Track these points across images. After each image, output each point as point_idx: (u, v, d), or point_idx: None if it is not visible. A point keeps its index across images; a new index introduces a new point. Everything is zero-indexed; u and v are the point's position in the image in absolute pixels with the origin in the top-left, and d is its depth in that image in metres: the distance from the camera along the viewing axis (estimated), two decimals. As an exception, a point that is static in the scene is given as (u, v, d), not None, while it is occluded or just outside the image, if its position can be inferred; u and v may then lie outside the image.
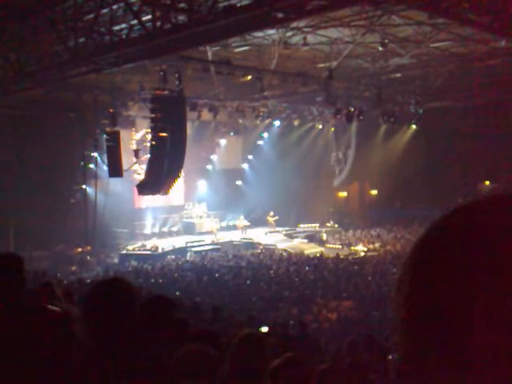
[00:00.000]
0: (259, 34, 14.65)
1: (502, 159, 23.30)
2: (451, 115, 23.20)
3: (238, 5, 10.58)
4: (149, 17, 11.49)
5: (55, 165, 19.67)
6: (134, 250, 22.52)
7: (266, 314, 11.70)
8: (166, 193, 19.76)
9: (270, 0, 9.75)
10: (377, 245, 23.83)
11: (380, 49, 15.50)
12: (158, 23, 11.12)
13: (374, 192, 29.71)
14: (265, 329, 8.27)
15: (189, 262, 20.43)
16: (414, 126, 25.51)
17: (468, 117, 23.03)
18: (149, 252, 22.04)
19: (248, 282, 15.94)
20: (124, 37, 12.43)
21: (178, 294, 13.32)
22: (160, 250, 22.10)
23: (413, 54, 16.91)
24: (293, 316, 12.14)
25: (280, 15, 10.96)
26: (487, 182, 26.26)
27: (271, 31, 14.49)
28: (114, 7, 11.83)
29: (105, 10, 11.89)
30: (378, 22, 13.60)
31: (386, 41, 15.09)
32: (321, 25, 14.09)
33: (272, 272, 17.42)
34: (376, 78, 19.81)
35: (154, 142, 18.07)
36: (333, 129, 28.07)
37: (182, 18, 11.30)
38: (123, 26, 12.54)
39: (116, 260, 21.76)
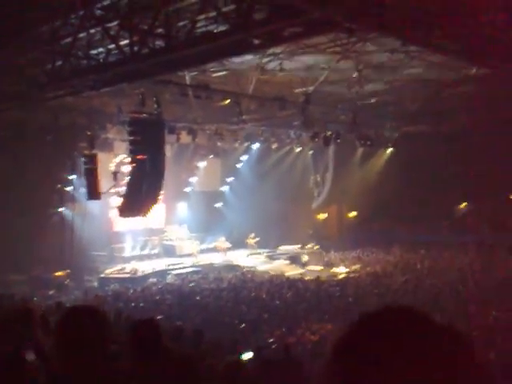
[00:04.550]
0: (237, 59, 14.86)
1: (477, 181, 23.82)
2: (426, 139, 23.67)
3: (215, 31, 10.76)
4: (126, 41, 11.59)
5: (32, 188, 19.43)
6: (112, 273, 22.28)
7: (248, 337, 11.61)
8: (145, 215, 19.70)
9: (246, 27, 9.93)
10: (357, 266, 23.92)
11: (354, 75, 15.83)
12: (136, 48, 11.22)
13: (353, 214, 29.93)
14: (249, 354, 8.19)
15: (169, 285, 20.27)
16: (390, 149, 25.98)
17: (442, 141, 23.53)
18: (128, 275, 21.83)
19: (229, 304, 15.85)
20: (101, 61, 12.52)
21: (159, 317, 13.15)
22: (140, 273, 21.88)
23: (387, 80, 17.29)
24: (276, 338, 12.05)
25: (256, 42, 11.17)
26: (464, 204, 26.70)
27: (248, 57, 14.71)
28: (92, 31, 11.92)
29: (82, 34, 11.96)
30: (352, 49, 13.90)
31: (361, 67, 15.43)
32: (297, 51, 14.36)
33: (253, 294, 17.35)
34: (352, 102, 20.15)
35: (132, 165, 18.06)
36: (311, 152, 28.37)
37: (159, 43, 11.45)
38: (101, 49, 12.63)
39: (95, 283, 21.48)
